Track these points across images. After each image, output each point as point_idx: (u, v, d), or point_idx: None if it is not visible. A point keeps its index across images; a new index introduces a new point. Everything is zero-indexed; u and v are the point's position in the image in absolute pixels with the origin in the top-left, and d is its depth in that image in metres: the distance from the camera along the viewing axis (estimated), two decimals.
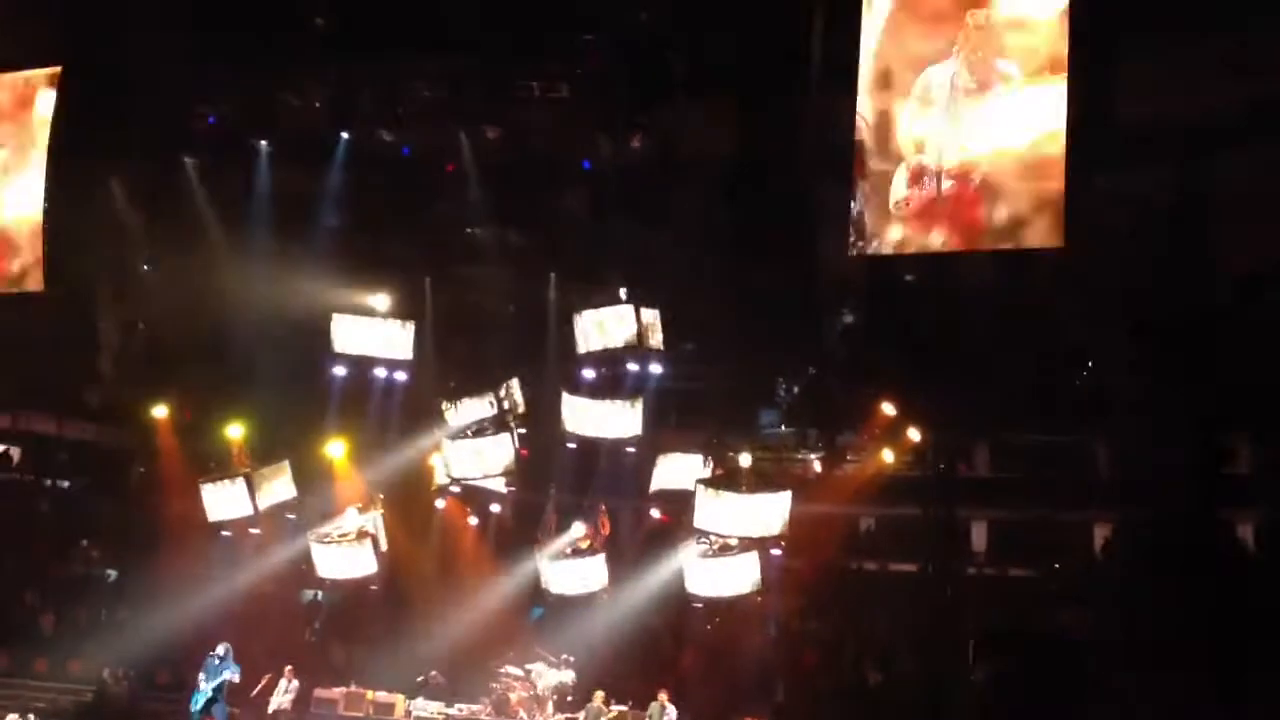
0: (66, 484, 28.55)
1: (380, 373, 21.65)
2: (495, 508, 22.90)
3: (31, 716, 20.61)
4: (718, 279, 21.12)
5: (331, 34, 19.13)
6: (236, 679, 20.63)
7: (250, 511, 20.70)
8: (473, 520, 23.55)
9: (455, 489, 21.91)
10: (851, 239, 16.49)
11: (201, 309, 22.30)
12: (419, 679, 21.96)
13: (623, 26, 17.93)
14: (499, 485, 21.42)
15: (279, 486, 21.51)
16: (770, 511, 19.18)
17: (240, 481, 20.64)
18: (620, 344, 19.72)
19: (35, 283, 20.53)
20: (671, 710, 20.57)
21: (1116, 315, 21.66)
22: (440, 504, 23.05)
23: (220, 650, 20.94)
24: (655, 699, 20.61)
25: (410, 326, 20.86)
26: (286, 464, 21.51)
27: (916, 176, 15.98)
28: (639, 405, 19.97)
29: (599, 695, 20.93)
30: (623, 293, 19.76)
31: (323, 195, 21.51)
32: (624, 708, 21.10)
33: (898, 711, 21.58)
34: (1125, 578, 22.02)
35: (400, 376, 21.83)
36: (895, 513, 25.29)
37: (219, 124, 20.91)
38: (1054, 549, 25.45)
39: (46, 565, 26.86)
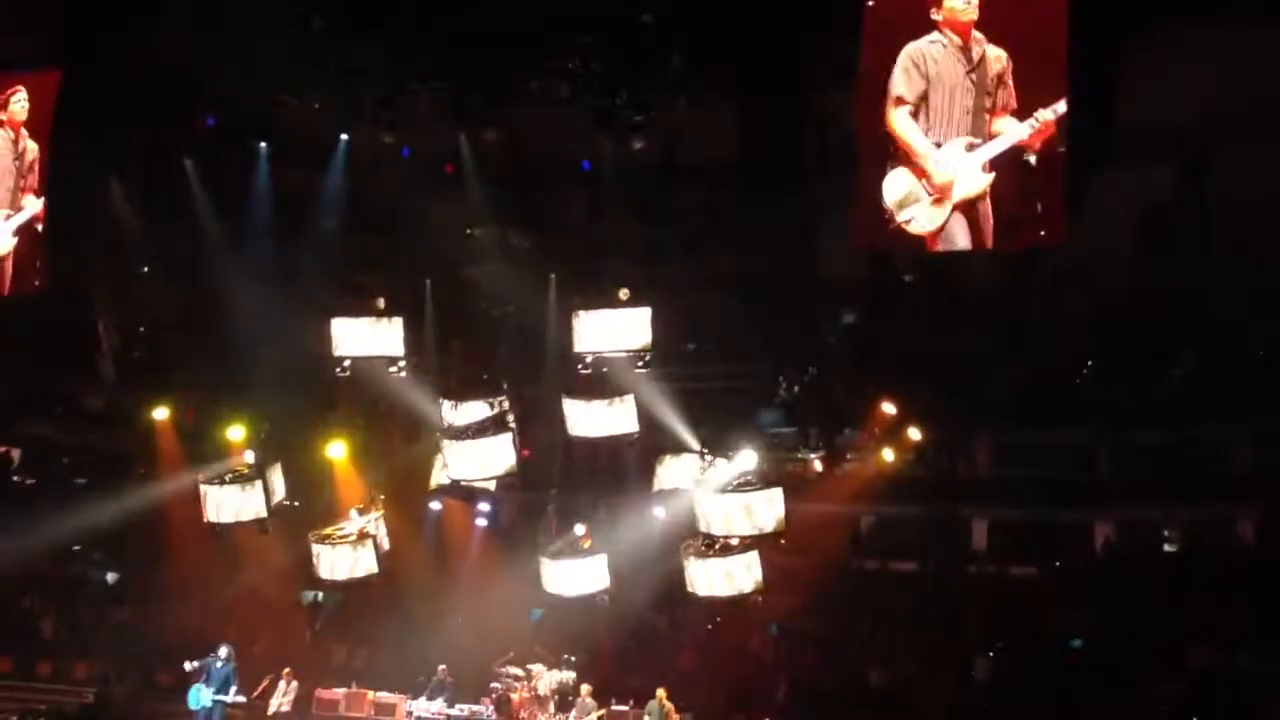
0: (67, 486, 28.56)
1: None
2: (485, 507, 22.89)
3: None
4: (718, 279, 21.12)
5: (330, 35, 19.08)
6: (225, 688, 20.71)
7: (264, 514, 20.71)
8: (481, 521, 23.58)
9: (451, 490, 21.93)
10: (851, 238, 16.46)
11: (202, 311, 22.30)
12: (421, 678, 22.01)
13: (623, 26, 17.90)
14: (490, 486, 21.42)
15: (277, 488, 21.55)
16: (765, 508, 19.16)
17: (258, 485, 20.61)
18: (624, 345, 19.67)
19: (35, 285, 20.48)
20: (669, 708, 20.61)
21: (1117, 313, 21.73)
22: (436, 505, 23.05)
23: (223, 652, 20.98)
24: (654, 697, 20.67)
25: (399, 322, 20.82)
26: (279, 465, 21.54)
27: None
28: (630, 401, 19.95)
29: (586, 689, 20.98)
30: (623, 294, 19.74)
31: (322, 196, 21.48)
32: (625, 708, 21.16)
33: (899, 711, 21.61)
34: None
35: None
36: (896, 511, 25.32)
37: (218, 126, 20.89)
38: (1055, 548, 25.52)
39: (47, 568, 26.89)
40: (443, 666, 21.92)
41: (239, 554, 22.77)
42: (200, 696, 20.70)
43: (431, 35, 18.67)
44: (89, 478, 28.28)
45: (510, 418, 20.35)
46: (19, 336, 21.75)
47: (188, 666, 21.00)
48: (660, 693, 20.78)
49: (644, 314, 19.68)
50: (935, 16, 13.65)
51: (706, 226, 21.06)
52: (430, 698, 21.49)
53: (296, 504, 21.95)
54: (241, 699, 20.84)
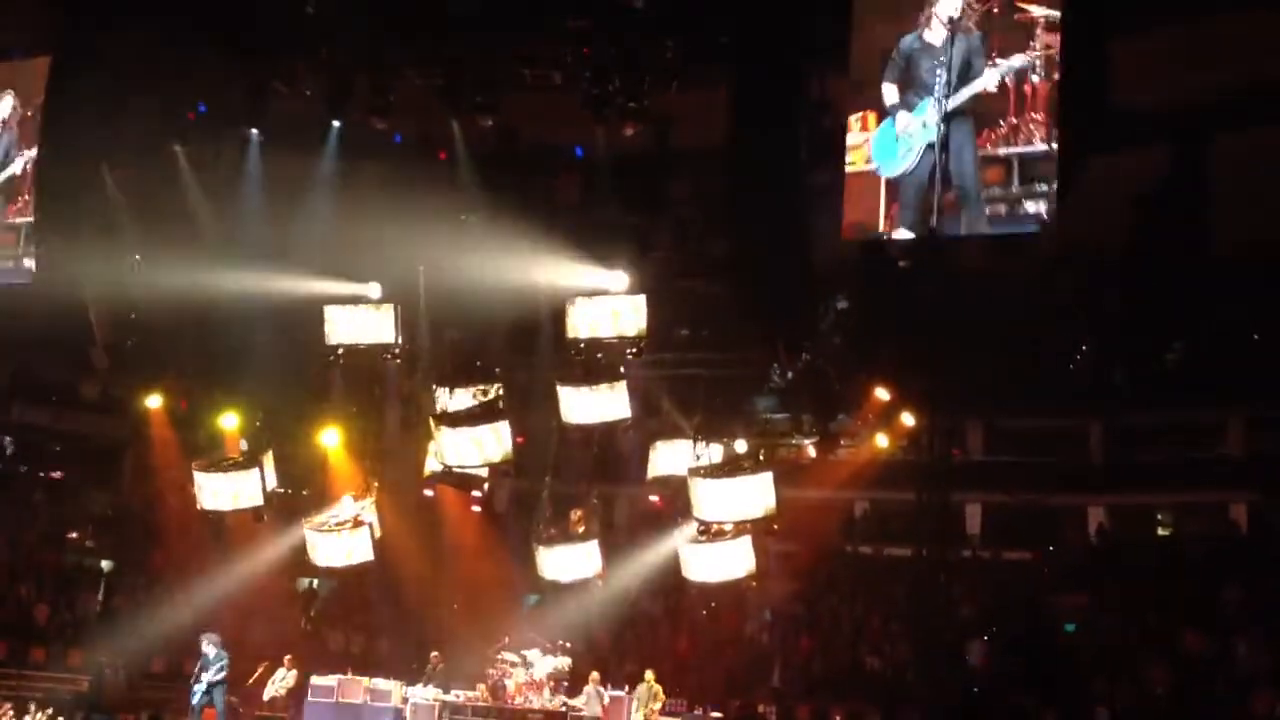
0: (60, 475, 28.56)
1: None
2: (477, 493, 22.85)
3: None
4: (711, 265, 21.10)
5: (322, 21, 19.00)
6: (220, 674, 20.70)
7: (259, 501, 20.68)
8: (476, 509, 23.58)
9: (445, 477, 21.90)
10: (844, 224, 16.47)
11: (194, 299, 22.23)
12: (415, 665, 22.03)
13: (616, 13, 17.85)
14: (484, 473, 21.40)
15: (271, 475, 21.52)
16: (756, 493, 19.13)
17: (253, 473, 20.54)
18: (618, 332, 19.64)
19: (27, 274, 20.46)
20: (658, 689, 20.65)
21: (1111, 298, 21.73)
22: (429, 493, 23.03)
23: (215, 640, 20.95)
24: (643, 679, 20.74)
25: (391, 309, 20.77)
26: (270, 453, 21.51)
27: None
28: (622, 387, 19.94)
29: (594, 675, 21.05)
30: (615, 281, 19.69)
31: (314, 184, 21.41)
32: (620, 693, 21.18)
33: (893, 695, 21.66)
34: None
35: None
36: (890, 497, 25.36)
37: (210, 113, 20.81)
38: (1049, 532, 25.61)
39: (41, 556, 26.88)
40: (435, 654, 21.96)
41: (233, 542, 22.74)
42: (200, 689, 20.71)
43: (424, 22, 18.62)
44: (83, 466, 28.27)
45: (504, 404, 20.35)
46: (12, 325, 21.71)
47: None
48: (649, 674, 20.82)
49: (638, 301, 19.66)
50: None
51: (699, 212, 21.05)
52: (425, 684, 21.52)
53: (290, 491, 21.97)
54: (224, 667, 20.83)
